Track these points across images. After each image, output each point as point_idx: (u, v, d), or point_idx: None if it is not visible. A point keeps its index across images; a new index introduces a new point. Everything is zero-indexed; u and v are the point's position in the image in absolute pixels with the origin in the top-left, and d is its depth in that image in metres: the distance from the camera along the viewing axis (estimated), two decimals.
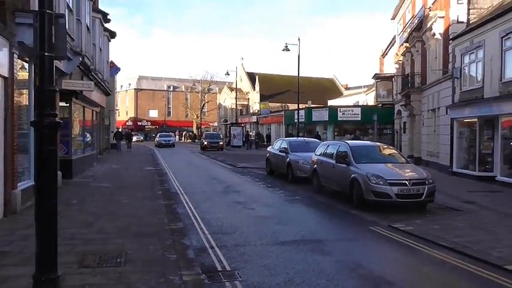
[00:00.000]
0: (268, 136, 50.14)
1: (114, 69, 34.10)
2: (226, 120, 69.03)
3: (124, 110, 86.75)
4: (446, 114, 20.08)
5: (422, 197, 10.91)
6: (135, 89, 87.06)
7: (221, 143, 43.40)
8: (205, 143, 42.73)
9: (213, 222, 9.80)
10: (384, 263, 7.22)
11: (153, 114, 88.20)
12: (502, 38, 15.53)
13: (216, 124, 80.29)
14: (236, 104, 55.43)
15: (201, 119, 77.21)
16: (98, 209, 10.61)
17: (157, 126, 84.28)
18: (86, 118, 20.30)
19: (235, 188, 15.95)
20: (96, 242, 7.54)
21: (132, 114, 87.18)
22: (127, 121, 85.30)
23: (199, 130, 76.39)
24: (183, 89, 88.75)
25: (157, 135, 54.44)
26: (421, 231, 8.71)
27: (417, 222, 9.63)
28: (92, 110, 22.62)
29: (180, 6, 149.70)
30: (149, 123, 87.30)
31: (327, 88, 67.11)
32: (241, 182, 17.78)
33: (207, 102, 79.55)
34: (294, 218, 10.63)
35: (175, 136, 63.18)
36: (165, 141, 49.54)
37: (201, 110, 77.84)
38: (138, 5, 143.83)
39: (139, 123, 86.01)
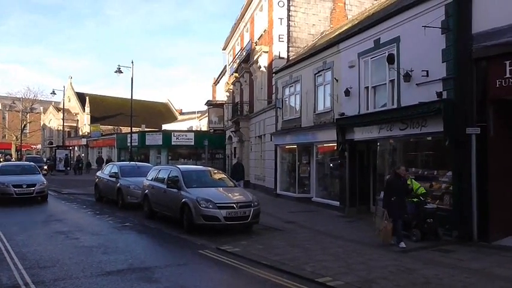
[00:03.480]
0: (108, 160, 45.54)
1: None
2: (51, 143, 63.41)
3: None
4: (271, 140, 21.70)
5: (249, 219, 11.45)
6: None
7: (44, 167, 39.57)
8: None
9: (30, 255, 8.82)
10: (211, 285, 7.34)
11: None
12: (315, 74, 17.54)
13: (39, 146, 73.12)
14: (63, 125, 51.28)
15: (21, 140, 69.36)
16: None
17: None
18: None
19: (59, 216, 14.62)
20: None
21: None
22: None
23: (19, 153, 68.53)
24: (0, 107, 78.96)
25: None
26: (246, 252, 9.14)
27: (243, 243, 10.08)
28: None
29: None
30: None
31: (161, 112, 67.01)
32: (65, 210, 16.41)
33: (29, 122, 71.96)
34: (122, 246, 10.15)
35: None
36: None
37: (22, 131, 69.95)
38: None
39: None
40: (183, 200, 11.76)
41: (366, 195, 14.97)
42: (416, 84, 11.65)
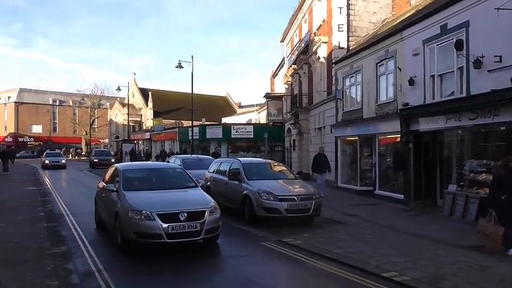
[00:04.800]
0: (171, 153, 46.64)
1: None
2: (117, 137, 66.30)
3: (2, 125, 79.43)
4: (331, 132, 21.41)
5: (310, 212, 11.40)
6: (15, 102, 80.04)
7: (112, 160, 41.57)
8: (95, 160, 40.86)
9: (101, 244, 9.29)
10: (274, 277, 7.39)
11: (37, 129, 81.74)
12: (376, 64, 17.05)
13: (106, 141, 76.78)
14: (128, 120, 53.52)
15: (90, 135, 73.30)
16: None
17: (41, 143, 78.20)
18: None
19: None
20: None
21: (12, 129, 79.90)
22: (6, 137, 78.13)
23: (88, 147, 72.39)
24: (71, 104, 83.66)
25: (44, 155, 43.02)
26: (308, 245, 9.09)
27: (305, 236, 10.04)
28: None
29: (65, 16, 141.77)
30: (32, 139, 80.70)
31: (220, 106, 68.05)
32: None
33: (97, 117, 75.86)
34: None
35: (64, 155, 51.53)
36: (53, 162, 39.41)
37: (91, 126, 73.95)
38: (15, 11, 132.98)
39: (20, 139, 79.15)
40: (244, 192, 11.88)
41: (432, 188, 14.39)
42: (488, 70, 10.98)
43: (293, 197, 11.39)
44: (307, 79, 27.20)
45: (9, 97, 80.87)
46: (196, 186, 10.05)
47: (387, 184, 16.86)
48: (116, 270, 7.34)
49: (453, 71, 12.58)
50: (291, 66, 30.61)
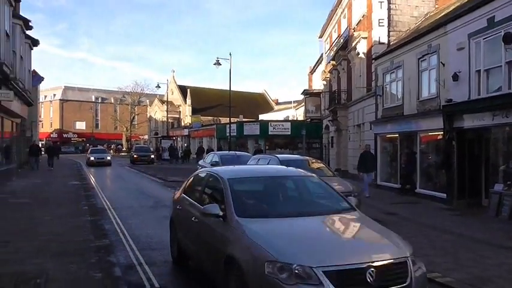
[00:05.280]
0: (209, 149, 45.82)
1: (37, 78, 32.44)
2: (157, 133, 67.75)
3: (48, 122, 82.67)
4: (370, 129, 21.07)
5: None
6: (60, 99, 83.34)
7: (151, 156, 42.52)
8: (135, 156, 41.70)
9: (142, 238, 9.50)
10: None
11: (80, 126, 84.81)
12: (418, 59, 16.63)
13: (146, 137, 78.56)
14: (167, 116, 54.58)
15: (130, 131, 75.21)
16: (16, 227, 9.92)
17: (84, 139, 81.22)
18: (4, 130, 19.11)
19: (165, 203, 15.53)
20: (13, 263, 7.02)
21: (57, 126, 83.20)
22: (51, 133, 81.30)
23: (129, 143, 74.29)
24: (112, 101, 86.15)
25: (89, 151, 42.01)
26: None
27: None
28: (12, 121, 21.33)
29: (105, 14, 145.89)
30: (76, 135, 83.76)
31: (258, 103, 68.17)
32: (171, 197, 17.38)
33: (137, 114, 77.70)
34: None
35: (108, 151, 48.73)
36: (98, 158, 37.59)
37: (131, 123, 75.83)
38: (61, 12, 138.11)
39: (65, 135, 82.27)
40: None
41: (477, 187, 13.92)
42: None
43: None
44: (346, 75, 26.86)
45: (54, 95, 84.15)
46: (353, 208, 5.93)
47: (429, 182, 16.45)
48: (157, 264, 7.49)
49: (500, 66, 12.10)
50: (329, 62, 30.32)
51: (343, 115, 26.45)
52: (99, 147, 51.48)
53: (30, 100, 24.69)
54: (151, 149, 52.25)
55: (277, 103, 70.63)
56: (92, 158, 37.59)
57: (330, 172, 13.63)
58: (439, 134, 15.05)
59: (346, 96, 26.61)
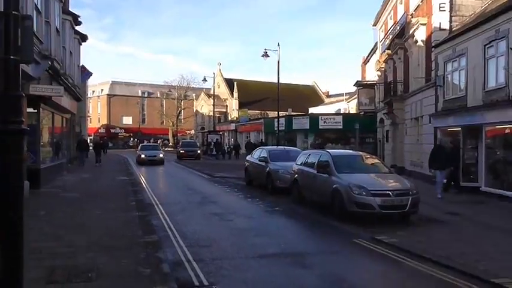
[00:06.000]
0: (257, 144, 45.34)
1: (86, 73, 33.69)
2: (203, 128, 68.79)
3: (96, 117, 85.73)
4: (430, 123, 20.41)
5: (406, 208, 10.97)
6: (107, 94, 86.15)
7: (198, 152, 43.08)
8: (182, 151, 42.28)
9: (190, 234, 9.69)
10: (367, 276, 7.24)
11: (127, 121, 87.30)
12: (484, 46, 15.90)
13: (192, 132, 79.98)
14: (214, 111, 55.30)
15: (177, 126, 76.71)
16: (68, 221, 10.40)
17: (131, 134, 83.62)
18: (55, 125, 19.99)
19: (213, 198, 15.84)
20: (66, 256, 7.36)
21: (104, 121, 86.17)
22: (99, 128, 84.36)
23: (175, 138, 75.90)
24: (158, 95, 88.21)
25: (139, 147, 39.11)
26: (404, 244, 8.77)
27: (400, 234, 9.70)
28: (62, 117, 22.30)
29: (151, 8, 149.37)
30: (123, 130, 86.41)
31: (307, 95, 67.72)
32: (218, 193, 17.68)
33: (184, 109, 79.19)
34: (273, 230, 10.61)
35: (161, 147, 44.94)
36: (150, 156, 34.62)
37: (177, 117, 77.34)
38: (108, 6, 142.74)
39: (112, 131, 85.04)
40: (334, 185, 11.75)
41: None
42: None
43: (387, 192, 11.06)
44: (402, 65, 26.14)
45: (102, 90, 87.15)
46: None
47: (496, 180, 15.73)
48: (205, 261, 7.62)
49: None
50: (384, 51, 29.61)
51: (400, 107, 25.75)
52: (152, 141, 50.56)
53: (79, 95, 25.73)
54: (198, 144, 53.06)
55: (328, 95, 69.92)
56: (143, 156, 34.70)
57: (385, 168, 13.34)
58: (508, 127, 14.34)
59: (402, 87, 25.90)
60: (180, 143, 49.16)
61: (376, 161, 14.41)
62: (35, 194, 14.26)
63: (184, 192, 17.58)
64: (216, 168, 29.74)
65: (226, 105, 65.75)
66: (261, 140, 43.42)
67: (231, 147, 49.92)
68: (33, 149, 15.67)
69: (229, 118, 63.51)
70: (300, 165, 14.88)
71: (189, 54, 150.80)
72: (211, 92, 60.71)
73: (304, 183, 14.06)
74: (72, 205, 12.81)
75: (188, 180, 22.63)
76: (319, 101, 65.70)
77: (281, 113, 36.16)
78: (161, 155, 35.73)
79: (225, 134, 60.77)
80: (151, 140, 67.06)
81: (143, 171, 27.72)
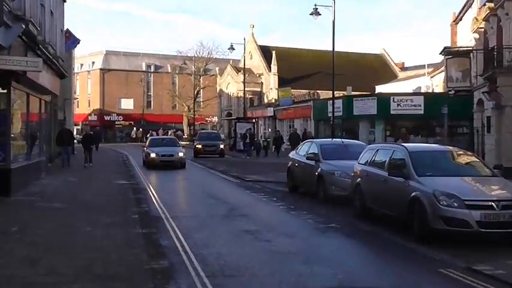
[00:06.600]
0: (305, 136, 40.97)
1: (72, 41, 34.38)
2: (230, 114, 68.97)
3: (85, 99, 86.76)
4: None
5: None
6: (101, 69, 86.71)
7: (221, 147, 42.99)
8: (199, 146, 42.08)
9: (212, 259, 9.72)
10: None
11: (127, 104, 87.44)
12: None
13: (215, 119, 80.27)
14: (244, 90, 55.34)
15: (194, 112, 76.53)
16: (48, 240, 10.59)
17: (132, 122, 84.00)
18: (31, 110, 20.28)
19: (243, 210, 15.88)
20: None
21: (97, 105, 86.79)
22: (89, 114, 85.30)
23: (191, 128, 76.15)
24: (169, 70, 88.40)
25: (147, 142, 36.06)
26: None
27: (510, 263, 9.47)
28: (40, 99, 22.61)
29: None
30: (121, 117, 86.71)
31: (374, 68, 67.13)
32: (251, 203, 17.73)
33: (203, 88, 79.48)
34: (327, 254, 10.58)
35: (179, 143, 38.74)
36: (164, 156, 31.65)
37: (195, 100, 77.40)
38: None
39: (106, 118, 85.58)
40: (413, 193, 11.56)
41: None
42: None
43: (490, 203, 10.80)
44: (511, 23, 25.51)
45: (93, 63, 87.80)
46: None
47: None
48: None
49: None
50: (484, 4, 28.98)
51: (507, 84, 25.14)
52: (161, 133, 51.72)
53: (63, 70, 26.11)
54: (222, 136, 53.13)
55: (403, 68, 69.07)
56: (154, 155, 31.64)
57: (486, 170, 13.06)
58: None
59: (511, 55, 25.31)
60: (198, 135, 49.23)
61: (473, 159, 14.17)
62: (4, 203, 14.63)
63: (204, 202, 17.69)
64: (247, 168, 29.79)
65: (262, 83, 65.70)
66: (308, 130, 43.14)
67: (268, 140, 49.94)
68: (1, 142, 15.98)
69: (266, 100, 63.46)
70: (364, 165, 14.74)
71: (210, 13, 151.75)
72: (241, 65, 60.78)
73: (370, 189, 13.93)
74: (54, 219, 13.06)
75: (209, 185, 22.77)
76: (390, 76, 64.97)
77: (337, 93, 35.90)
78: (181, 154, 32.52)
79: (260, 122, 60.81)
80: (160, 131, 67.08)
81: (148, 172, 28.06)
